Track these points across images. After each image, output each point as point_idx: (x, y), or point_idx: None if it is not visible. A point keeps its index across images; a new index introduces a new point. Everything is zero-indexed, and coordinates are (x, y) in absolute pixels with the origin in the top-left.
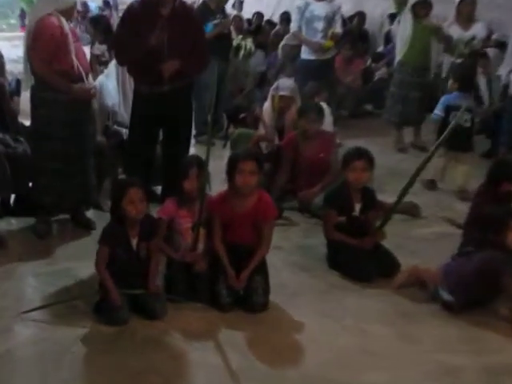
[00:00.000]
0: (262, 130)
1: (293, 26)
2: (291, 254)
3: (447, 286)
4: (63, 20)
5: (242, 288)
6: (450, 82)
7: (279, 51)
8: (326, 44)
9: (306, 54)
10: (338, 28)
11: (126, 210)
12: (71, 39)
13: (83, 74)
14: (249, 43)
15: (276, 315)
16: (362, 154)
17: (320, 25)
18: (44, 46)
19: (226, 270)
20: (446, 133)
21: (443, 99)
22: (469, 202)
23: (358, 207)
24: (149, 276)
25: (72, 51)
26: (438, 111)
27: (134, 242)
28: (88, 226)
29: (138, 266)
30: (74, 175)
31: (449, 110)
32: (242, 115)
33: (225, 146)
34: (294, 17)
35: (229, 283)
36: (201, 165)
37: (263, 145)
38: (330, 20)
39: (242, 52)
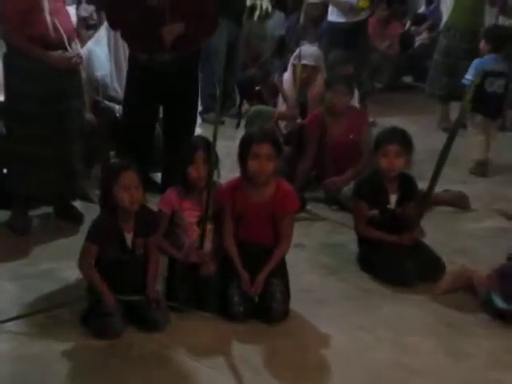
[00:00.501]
0: (282, 106)
1: None
2: (316, 254)
3: (502, 291)
4: None
5: (257, 294)
6: (482, 43)
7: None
8: (359, 4)
9: (333, 15)
10: None
11: (119, 199)
12: None
13: (64, 38)
14: (265, 2)
15: (298, 326)
16: (395, 137)
17: None
18: (13, 5)
19: (239, 272)
20: (464, 101)
21: (475, 62)
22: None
23: (394, 198)
24: (147, 279)
25: (46, 10)
26: (470, 76)
27: (129, 237)
28: (75, 220)
29: (133, 267)
30: (55, 160)
31: (484, 75)
32: (257, 88)
33: (238, 125)
34: None
35: (242, 288)
36: (209, 148)
37: (282, 124)
38: None
39: (256, 13)
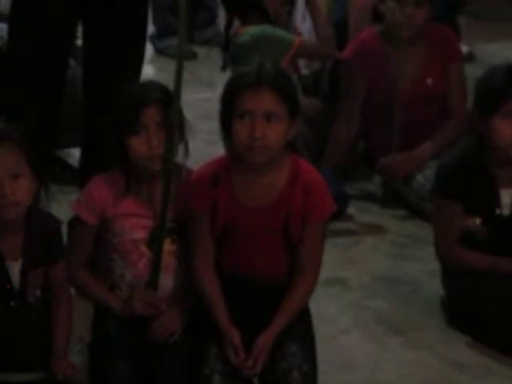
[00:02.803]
0: (301, 26)
1: None
2: (366, 297)
3: None
4: None
5: (256, 373)
6: None
7: None
8: None
9: None
10: None
11: None
12: None
13: None
14: None
15: None
16: None
17: None
18: None
19: (224, 331)
20: None
21: None
22: None
23: (509, 196)
24: (52, 345)
25: None
26: None
27: (16, 269)
28: None
29: (24, 323)
30: None
31: None
32: None
33: (224, 66)
34: None
35: (229, 361)
36: (168, 101)
37: (302, 61)
38: None
39: None
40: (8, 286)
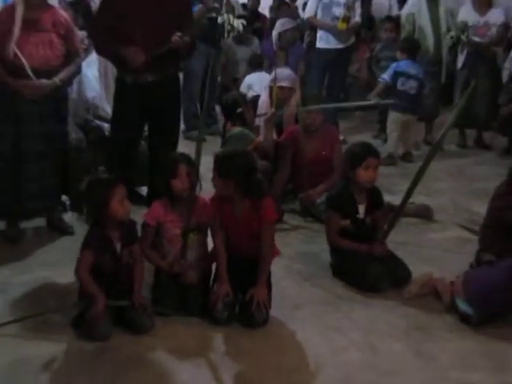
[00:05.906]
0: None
1: (308, 11)
2: (292, 262)
3: (466, 296)
4: (21, 5)
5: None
6: (398, 52)
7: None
8: (339, 25)
9: (322, 42)
10: (357, 17)
11: (114, 210)
12: (18, 25)
13: (26, 67)
14: (235, 22)
15: (276, 330)
16: (375, 151)
17: (338, 11)
18: None
19: (220, 275)
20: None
21: (392, 65)
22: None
23: (363, 208)
24: (134, 286)
25: (12, 39)
26: (386, 76)
27: (118, 246)
28: (63, 231)
29: (122, 275)
30: (26, 177)
31: (396, 76)
32: (238, 110)
33: (222, 145)
34: (311, 2)
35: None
36: (190, 162)
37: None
38: (349, 6)
39: (226, 27)
40: (116, 257)
